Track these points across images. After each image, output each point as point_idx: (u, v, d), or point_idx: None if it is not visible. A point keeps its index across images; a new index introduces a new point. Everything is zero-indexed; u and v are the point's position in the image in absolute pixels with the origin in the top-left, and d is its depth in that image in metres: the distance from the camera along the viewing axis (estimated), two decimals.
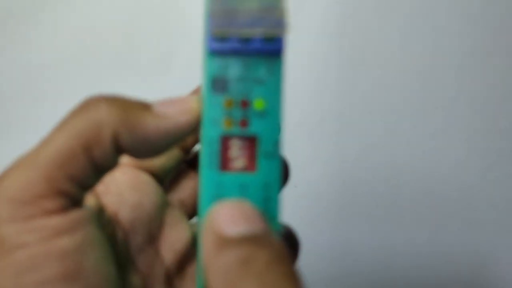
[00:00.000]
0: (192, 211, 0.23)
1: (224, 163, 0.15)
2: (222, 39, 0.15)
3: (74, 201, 0.16)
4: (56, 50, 0.40)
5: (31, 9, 0.40)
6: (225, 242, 0.13)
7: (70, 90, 0.40)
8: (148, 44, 0.40)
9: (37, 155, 0.16)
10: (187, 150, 0.23)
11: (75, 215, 0.16)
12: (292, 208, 0.38)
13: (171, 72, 0.40)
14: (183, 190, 0.23)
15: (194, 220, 0.24)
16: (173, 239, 0.21)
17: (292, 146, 0.38)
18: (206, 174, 0.15)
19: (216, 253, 0.13)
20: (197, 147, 0.24)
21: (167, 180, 0.23)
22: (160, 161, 0.22)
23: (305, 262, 0.39)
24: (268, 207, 0.15)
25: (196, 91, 0.22)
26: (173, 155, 0.22)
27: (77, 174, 0.16)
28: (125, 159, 0.21)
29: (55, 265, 0.15)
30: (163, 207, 0.21)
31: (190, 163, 0.24)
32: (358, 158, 0.40)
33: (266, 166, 0.15)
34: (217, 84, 0.15)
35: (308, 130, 0.40)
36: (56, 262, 0.15)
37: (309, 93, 0.40)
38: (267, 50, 0.15)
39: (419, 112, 0.41)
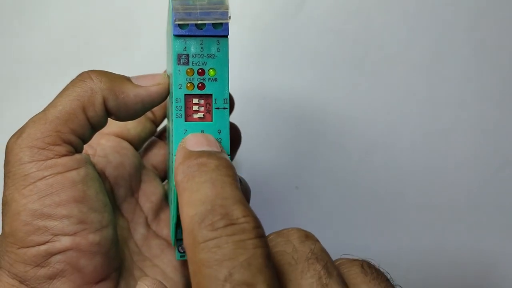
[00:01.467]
0: (163, 174, 0.29)
1: (187, 115, 0.21)
2: (182, 26, 0.21)
3: (76, 149, 0.22)
4: (49, 46, 0.38)
5: (23, 4, 0.38)
6: (190, 154, 0.18)
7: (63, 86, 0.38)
8: (143, 42, 0.38)
9: (47, 114, 0.21)
10: (157, 124, 0.29)
11: (78, 157, 0.21)
12: (294, 210, 0.39)
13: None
14: (155, 157, 0.28)
15: (165, 182, 0.29)
16: (150, 192, 0.27)
17: (293, 147, 0.39)
18: (176, 123, 0.21)
19: (183, 160, 0.18)
20: (164, 123, 0.30)
21: (141, 147, 0.28)
22: (136, 131, 0.27)
23: None
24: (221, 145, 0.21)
25: (165, 72, 0.28)
26: (147, 127, 0.28)
27: (78, 129, 0.22)
28: (108, 129, 0.27)
29: (67, 191, 0.20)
30: (140, 168, 0.27)
31: (160, 136, 0.29)
32: (362, 158, 0.39)
33: (218, 117, 0.21)
34: (180, 58, 0.21)
35: (309, 130, 0.39)
36: (68, 189, 0.20)
37: (311, 90, 0.39)
38: (217, 33, 0.21)
39: (425, 111, 0.39)
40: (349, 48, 0.39)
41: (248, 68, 0.38)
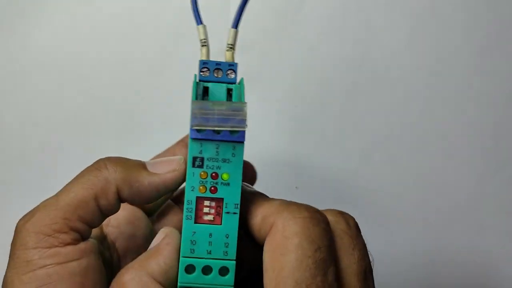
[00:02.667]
0: None
1: (197, 217, 0.21)
2: (200, 131, 0.21)
3: (83, 236, 0.22)
4: (52, 49, 0.39)
5: (23, 5, 0.39)
6: None
7: (66, 90, 0.39)
8: (144, 43, 0.39)
9: (58, 200, 0.22)
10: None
11: (83, 246, 0.22)
12: None
13: (163, 73, 0.39)
14: (168, 223, 0.29)
15: None
16: None
17: (293, 147, 0.39)
18: (185, 224, 0.21)
19: None
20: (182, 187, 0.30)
21: (155, 213, 0.29)
22: None
23: None
24: (228, 250, 0.21)
25: (179, 143, 0.28)
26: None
27: (87, 217, 0.22)
28: None
29: (65, 283, 0.21)
30: (151, 237, 0.27)
31: (175, 200, 0.30)
32: (361, 159, 0.39)
33: (228, 221, 0.21)
34: (195, 161, 0.21)
35: (309, 130, 0.39)
36: (66, 280, 0.21)
37: (311, 91, 0.39)
38: (233, 139, 0.21)
39: (424, 112, 0.39)
40: (348, 48, 0.39)
41: (247, 69, 0.39)
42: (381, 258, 0.37)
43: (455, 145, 0.39)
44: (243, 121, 0.21)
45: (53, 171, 0.38)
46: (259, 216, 0.21)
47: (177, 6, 0.39)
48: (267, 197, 0.24)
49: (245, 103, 0.21)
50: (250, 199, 0.23)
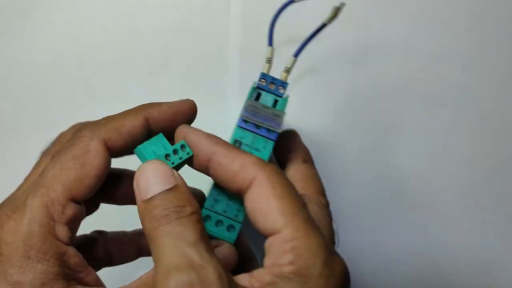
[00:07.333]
0: None
1: None
2: (246, 122, 0.28)
3: None
4: (52, 49, 0.39)
5: (25, 5, 0.39)
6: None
7: (66, 90, 0.39)
8: (145, 43, 0.39)
9: None
10: None
11: None
12: None
13: (168, 71, 0.40)
14: None
15: None
16: None
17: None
18: (212, 187, 0.28)
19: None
20: None
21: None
22: None
23: None
24: (238, 214, 0.28)
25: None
26: None
27: None
28: None
29: None
30: None
31: None
32: (360, 158, 0.39)
33: None
34: (236, 143, 0.28)
35: (308, 129, 0.39)
36: None
37: (310, 92, 0.39)
38: (267, 136, 0.28)
39: (423, 112, 0.39)
40: (348, 47, 0.39)
41: (247, 70, 0.40)
42: (380, 258, 0.39)
43: (455, 145, 0.39)
44: (279, 125, 0.28)
45: None
46: (237, 163, 0.25)
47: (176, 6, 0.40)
48: (232, 146, 0.26)
49: (285, 112, 0.28)
50: (221, 143, 0.26)
